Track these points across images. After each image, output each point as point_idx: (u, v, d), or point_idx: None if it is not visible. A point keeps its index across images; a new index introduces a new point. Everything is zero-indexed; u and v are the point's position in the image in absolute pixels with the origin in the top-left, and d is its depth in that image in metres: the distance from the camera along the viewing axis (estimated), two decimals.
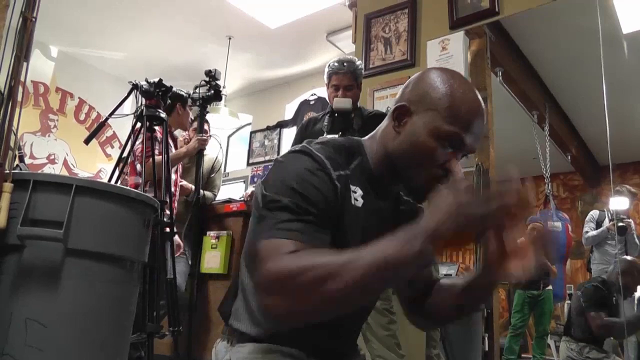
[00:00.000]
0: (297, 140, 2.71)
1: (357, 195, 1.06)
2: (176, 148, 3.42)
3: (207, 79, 3.28)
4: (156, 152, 3.08)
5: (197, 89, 3.30)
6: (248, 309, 1.09)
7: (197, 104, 3.28)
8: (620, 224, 3.97)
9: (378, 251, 0.85)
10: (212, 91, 3.25)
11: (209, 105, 3.33)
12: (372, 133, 1.16)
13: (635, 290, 3.76)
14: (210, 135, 3.64)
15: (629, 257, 3.83)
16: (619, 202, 4.14)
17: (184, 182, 3.64)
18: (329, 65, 2.69)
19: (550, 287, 4.48)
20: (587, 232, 4.16)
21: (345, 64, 2.65)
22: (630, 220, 4.04)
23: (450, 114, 1.02)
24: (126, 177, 3.05)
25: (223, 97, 3.31)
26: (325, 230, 0.97)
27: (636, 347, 3.68)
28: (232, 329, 1.11)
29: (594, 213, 4.30)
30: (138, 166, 2.97)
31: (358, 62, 2.71)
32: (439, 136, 1.02)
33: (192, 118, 3.67)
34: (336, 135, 2.34)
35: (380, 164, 1.11)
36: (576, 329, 3.59)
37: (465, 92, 1.05)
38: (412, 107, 1.06)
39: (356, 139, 1.15)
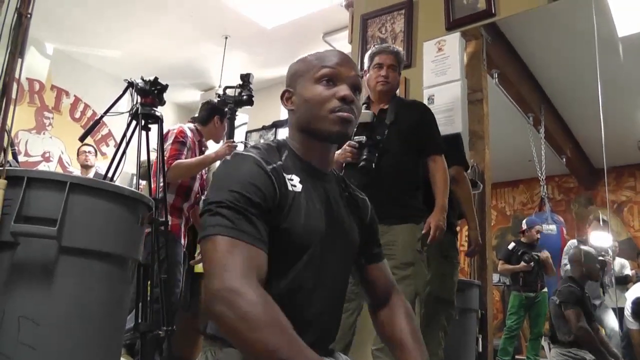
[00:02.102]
0: None
1: (295, 182, 1.13)
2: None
3: (241, 82, 3.26)
4: (182, 157, 3.11)
5: (226, 89, 3.29)
6: None
7: (228, 106, 3.24)
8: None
9: None
10: (245, 96, 3.22)
11: (239, 109, 3.30)
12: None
13: (597, 278, 3.78)
14: (241, 142, 3.62)
15: (582, 247, 3.88)
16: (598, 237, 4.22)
17: None
18: (373, 47, 2.69)
19: (545, 289, 4.49)
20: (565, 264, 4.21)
21: (390, 45, 2.72)
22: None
23: (312, 65, 1.19)
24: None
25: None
26: (260, 221, 1.01)
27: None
28: (215, 337, 1.12)
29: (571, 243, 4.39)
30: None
31: (402, 52, 2.74)
32: (317, 81, 1.17)
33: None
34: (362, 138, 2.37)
35: (302, 146, 1.20)
36: (561, 334, 3.59)
37: (318, 53, 1.24)
38: (290, 88, 1.23)
39: (279, 139, 1.25)
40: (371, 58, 2.61)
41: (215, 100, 3.45)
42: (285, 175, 1.11)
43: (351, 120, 1.16)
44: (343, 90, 1.15)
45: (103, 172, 5.02)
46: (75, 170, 4.93)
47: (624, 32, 3.32)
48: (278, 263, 1.05)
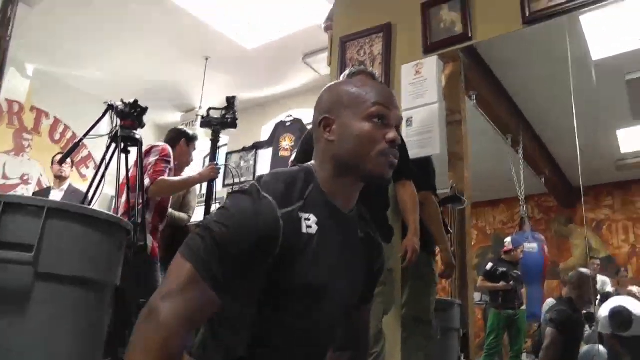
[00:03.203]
0: (299, 151, 2.72)
1: (311, 223, 1.08)
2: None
3: (227, 104, 3.26)
4: (166, 174, 3.10)
5: (210, 111, 3.29)
6: (215, 339, 1.11)
7: (212, 128, 3.24)
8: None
9: None
10: (230, 118, 3.22)
11: (223, 131, 3.29)
12: (313, 159, 1.21)
13: (590, 303, 3.83)
14: (225, 165, 3.61)
15: (581, 269, 3.93)
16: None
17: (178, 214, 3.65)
18: (349, 68, 2.70)
19: (524, 307, 4.51)
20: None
21: (366, 68, 2.72)
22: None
23: (362, 99, 1.14)
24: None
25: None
26: (239, 268, 0.99)
27: None
28: (201, 357, 1.11)
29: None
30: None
31: (377, 73, 2.76)
32: (367, 118, 1.12)
33: (192, 159, 3.66)
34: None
35: (331, 182, 1.15)
36: None
37: (363, 82, 1.21)
38: (332, 115, 1.16)
39: (307, 166, 1.18)
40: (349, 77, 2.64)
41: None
42: (302, 215, 1.07)
43: (395, 165, 1.14)
44: (393, 133, 1.13)
45: (77, 186, 5.03)
46: (54, 191, 4.86)
47: (598, 56, 3.39)
48: (279, 306, 1.05)
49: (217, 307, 0.99)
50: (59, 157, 4.87)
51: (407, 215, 2.47)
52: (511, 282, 4.45)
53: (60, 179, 4.97)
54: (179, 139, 3.44)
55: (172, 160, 3.19)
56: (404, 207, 2.47)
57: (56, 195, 4.77)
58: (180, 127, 3.47)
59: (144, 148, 2.86)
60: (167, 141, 3.43)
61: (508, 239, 4.85)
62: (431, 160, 3.04)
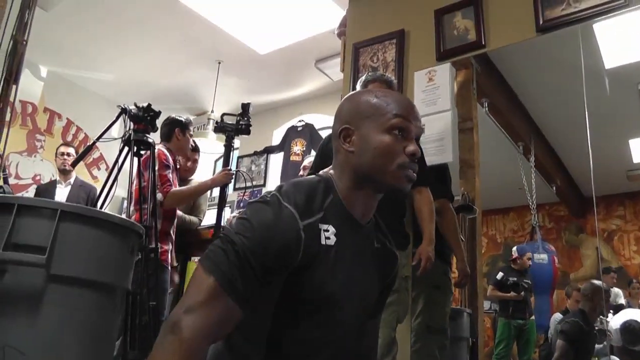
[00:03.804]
0: (317, 156, 2.70)
1: (330, 234, 1.08)
2: (180, 174, 3.43)
3: (242, 110, 3.26)
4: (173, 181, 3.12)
5: (224, 116, 3.29)
6: (232, 351, 1.09)
7: (227, 134, 3.24)
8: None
9: None
10: (244, 124, 3.23)
11: (236, 137, 3.29)
12: (331, 168, 1.20)
13: (602, 315, 3.81)
14: (238, 170, 3.61)
15: (594, 281, 3.90)
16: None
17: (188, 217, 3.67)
18: (367, 73, 2.69)
19: (533, 317, 4.49)
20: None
21: (384, 75, 2.68)
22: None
23: (382, 110, 1.13)
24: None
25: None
26: (260, 279, 0.99)
27: None
28: None
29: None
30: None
31: (395, 81, 2.73)
32: (388, 130, 1.11)
33: (193, 145, 3.66)
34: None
35: (350, 193, 1.14)
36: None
37: (384, 92, 1.19)
38: (352, 126, 1.14)
39: (326, 176, 1.17)
40: (364, 85, 2.62)
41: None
42: (321, 226, 1.07)
43: (414, 179, 1.14)
44: (413, 146, 1.11)
45: (83, 178, 4.98)
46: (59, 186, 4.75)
47: (611, 64, 3.37)
48: (295, 317, 1.05)
49: (238, 320, 0.99)
50: (62, 148, 4.85)
51: (422, 222, 2.44)
52: (522, 293, 4.43)
53: (64, 172, 4.79)
54: (173, 130, 3.36)
55: (170, 159, 3.19)
56: (420, 215, 2.45)
57: (63, 191, 4.68)
58: (172, 116, 3.41)
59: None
60: (162, 137, 3.40)
61: (514, 248, 4.83)
62: (447, 168, 3.03)
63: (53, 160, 6.17)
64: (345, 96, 1.24)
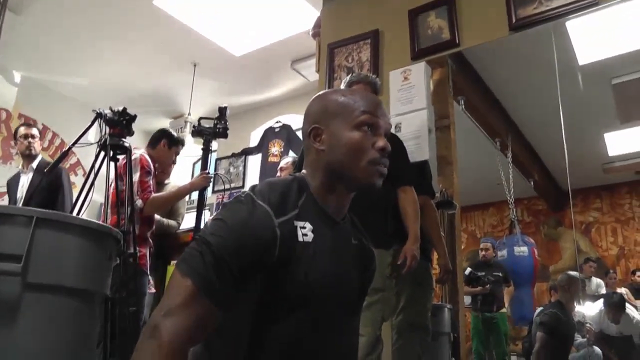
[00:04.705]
0: (300, 157, 2.70)
1: (307, 230, 1.09)
2: (157, 180, 3.41)
3: (218, 114, 3.26)
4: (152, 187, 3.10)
5: (201, 120, 3.29)
6: (210, 352, 1.09)
7: (204, 138, 3.24)
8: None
9: None
10: (221, 128, 3.23)
11: (214, 140, 3.30)
12: (304, 169, 1.21)
13: (580, 304, 3.88)
14: (216, 173, 3.59)
15: (570, 272, 3.97)
16: None
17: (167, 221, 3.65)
18: (350, 75, 2.70)
19: (504, 310, 4.54)
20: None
21: (368, 75, 2.70)
22: None
23: (350, 108, 1.15)
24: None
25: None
26: (237, 278, 0.99)
27: None
28: None
29: None
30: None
31: (379, 81, 2.74)
32: (357, 127, 1.13)
33: (174, 161, 3.65)
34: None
35: (323, 191, 1.16)
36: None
37: (351, 91, 1.22)
38: (321, 125, 1.17)
39: (300, 175, 1.19)
40: (349, 86, 2.63)
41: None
42: (297, 224, 1.07)
43: (385, 174, 1.15)
44: (382, 141, 1.14)
45: (51, 160, 4.56)
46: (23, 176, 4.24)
47: (584, 61, 3.42)
48: (275, 316, 1.05)
49: (217, 321, 1.00)
50: (23, 129, 4.22)
51: (407, 222, 2.44)
52: (488, 286, 4.48)
53: (29, 157, 4.18)
54: (160, 139, 3.44)
55: (151, 165, 3.19)
56: (405, 214, 2.45)
57: (25, 179, 4.15)
58: (168, 129, 3.44)
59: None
60: (149, 142, 3.45)
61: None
62: (427, 164, 3.05)
63: None
64: (314, 96, 1.25)
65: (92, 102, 5.12)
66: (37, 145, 4.22)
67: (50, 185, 3.95)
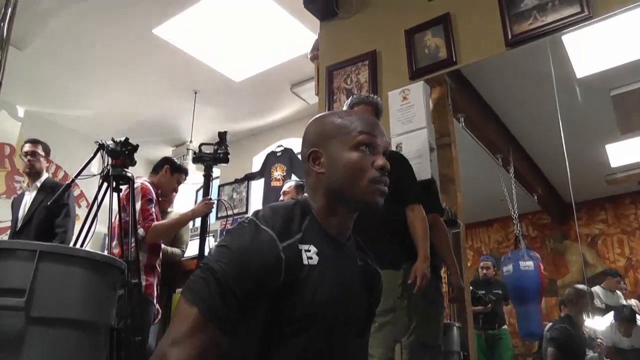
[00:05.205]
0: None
1: (312, 253, 1.08)
2: (161, 208, 3.42)
3: (218, 139, 3.28)
4: (155, 216, 3.11)
5: (202, 146, 3.32)
6: None
7: (205, 164, 3.26)
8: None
9: None
10: (222, 153, 3.24)
11: (215, 166, 3.32)
12: (305, 192, 1.22)
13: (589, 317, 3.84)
14: (218, 199, 3.61)
15: (577, 286, 3.93)
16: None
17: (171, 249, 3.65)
18: (352, 97, 2.72)
19: (505, 327, 4.50)
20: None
21: (369, 96, 2.72)
22: None
23: (347, 129, 1.16)
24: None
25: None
26: (242, 303, 0.99)
27: None
28: None
29: None
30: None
31: (380, 101, 2.76)
32: (355, 147, 1.14)
33: (176, 189, 3.66)
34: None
35: (326, 213, 1.16)
36: None
37: (347, 112, 1.23)
38: (320, 148, 1.17)
39: (302, 199, 1.19)
40: (350, 108, 2.64)
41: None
42: (302, 247, 1.07)
43: (386, 193, 1.15)
44: (381, 159, 1.14)
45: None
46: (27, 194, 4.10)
47: (582, 73, 3.43)
48: (282, 339, 1.04)
49: (223, 347, 0.99)
50: (27, 146, 4.14)
51: (417, 240, 2.43)
52: (489, 305, 4.45)
53: (33, 175, 4.07)
54: (163, 166, 3.46)
55: (153, 193, 3.19)
56: (414, 232, 2.44)
57: (29, 198, 4.01)
58: (170, 157, 3.46)
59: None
60: (152, 170, 3.48)
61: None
62: (434, 182, 3.04)
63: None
64: (310, 120, 1.26)
65: (94, 133, 5.17)
66: (40, 163, 4.10)
67: (51, 202, 3.63)
